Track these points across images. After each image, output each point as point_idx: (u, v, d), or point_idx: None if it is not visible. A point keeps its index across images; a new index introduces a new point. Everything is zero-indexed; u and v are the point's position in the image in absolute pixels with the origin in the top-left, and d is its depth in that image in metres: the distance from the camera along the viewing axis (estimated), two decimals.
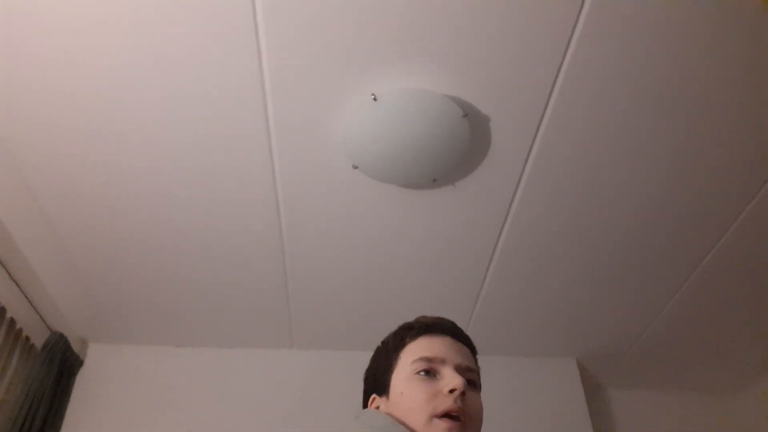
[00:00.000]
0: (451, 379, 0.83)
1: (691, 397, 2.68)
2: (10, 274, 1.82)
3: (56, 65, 1.29)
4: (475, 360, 0.95)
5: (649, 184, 1.62)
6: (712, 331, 2.27)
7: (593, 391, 2.57)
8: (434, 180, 1.56)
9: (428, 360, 0.87)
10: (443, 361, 0.87)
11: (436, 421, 0.80)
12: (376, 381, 0.93)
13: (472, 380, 0.88)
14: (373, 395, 0.93)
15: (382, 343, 0.98)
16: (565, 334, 2.29)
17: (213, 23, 1.22)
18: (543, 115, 1.43)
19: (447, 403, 0.81)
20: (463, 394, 0.82)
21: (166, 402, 2.11)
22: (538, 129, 1.47)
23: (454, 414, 0.80)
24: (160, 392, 2.13)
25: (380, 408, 0.89)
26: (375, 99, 1.34)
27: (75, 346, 2.12)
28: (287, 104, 1.39)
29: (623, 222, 1.75)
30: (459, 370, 0.87)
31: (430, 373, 0.86)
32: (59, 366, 2.00)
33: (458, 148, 1.45)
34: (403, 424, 0.82)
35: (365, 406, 0.94)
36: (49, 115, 1.39)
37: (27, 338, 1.97)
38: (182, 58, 1.29)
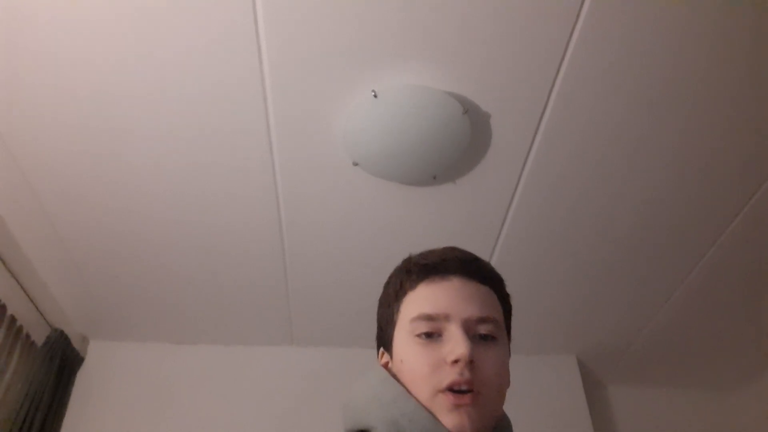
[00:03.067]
0: (454, 345, 0.69)
1: (691, 394, 2.68)
2: (10, 272, 1.82)
3: (55, 63, 1.29)
4: (499, 293, 0.81)
5: (650, 181, 1.62)
6: (713, 328, 2.27)
7: (593, 388, 2.57)
8: (434, 177, 1.55)
9: (428, 318, 0.73)
10: (447, 317, 0.72)
11: (441, 396, 0.68)
12: (382, 333, 0.82)
13: (486, 335, 0.73)
14: (381, 349, 0.82)
15: (387, 282, 0.85)
16: (565, 331, 2.29)
17: (213, 20, 1.22)
18: (543, 112, 1.43)
19: (451, 375, 0.68)
20: (471, 362, 0.69)
21: (167, 399, 2.11)
22: (538, 126, 1.46)
23: (462, 387, 0.68)
24: (160, 389, 2.13)
25: (388, 365, 0.79)
26: (375, 96, 1.34)
27: (75, 343, 2.13)
28: (287, 101, 1.38)
29: (623, 219, 1.75)
30: (468, 325, 0.72)
31: (432, 334, 0.72)
32: (60, 363, 2.00)
33: (458, 145, 1.45)
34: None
35: (378, 353, 0.84)
36: (50, 112, 1.39)
37: (27, 335, 1.97)
38: (182, 55, 1.28)
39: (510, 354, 0.79)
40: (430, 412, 0.68)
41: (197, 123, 1.43)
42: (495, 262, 1.88)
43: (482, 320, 0.74)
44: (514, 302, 0.90)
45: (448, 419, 0.68)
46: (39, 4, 1.18)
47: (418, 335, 0.73)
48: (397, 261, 2.03)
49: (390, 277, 0.85)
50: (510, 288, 0.87)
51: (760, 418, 2.56)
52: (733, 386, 2.68)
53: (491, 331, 0.74)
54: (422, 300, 0.76)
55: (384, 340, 0.81)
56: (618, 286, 2.03)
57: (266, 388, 2.19)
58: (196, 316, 2.12)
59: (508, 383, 0.74)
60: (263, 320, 2.16)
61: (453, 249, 0.83)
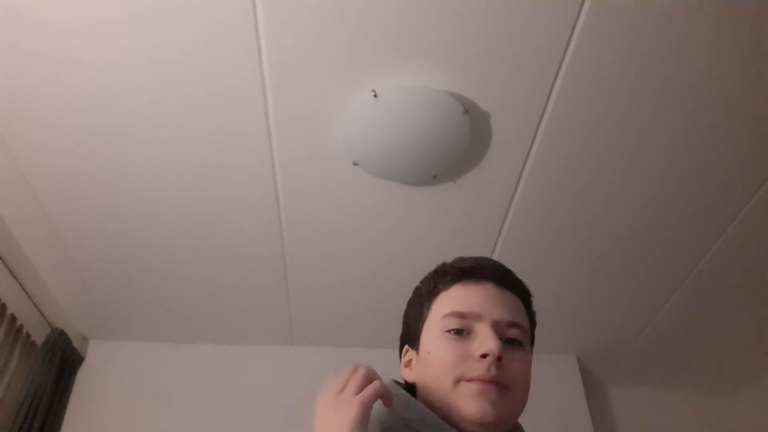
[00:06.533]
0: (484, 341, 0.71)
1: (691, 395, 2.68)
2: (10, 271, 1.82)
3: (56, 64, 1.29)
4: (527, 306, 0.83)
5: (650, 181, 1.62)
6: (713, 329, 2.27)
7: (593, 388, 2.57)
8: (434, 177, 1.55)
9: (460, 316, 0.75)
10: (478, 317, 0.74)
11: (464, 384, 0.70)
12: (408, 331, 0.84)
13: (514, 339, 0.75)
14: (406, 346, 0.84)
15: (418, 285, 0.87)
16: (565, 331, 2.29)
17: (213, 20, 1.22)
18: (543, 112, 1.43)
19: (478, 369, 0.69)
20: (499, 359, 0.70)
21: (167, 399, 2.11)
22: (538, 126, 1.46)
23: (487, 381, 0.69)
24: (160, 389, 2.13)
25: (411, 362, 0.81)
26: (375, 95, 1.34)
27: (76, 343, 2.13)
28: (287, 101, 1.38)
29: (623, 219, 1.75)
30: (497, 327, 0.74)
31: (462, 332, 0.74)
32: (60, 362, 2.00)
33: (458, 145, 1.45)
34: (427, 392, 0.74)
35: (400, 353, 0.86)
36: (50, 113, 1.39)
37: (28, 335, 1.97)
38: (182, 55, 1.28)
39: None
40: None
41: (197, 123, 1.43)
42: None
43: (512, 324, 0.75)
44: None
45: (471, 406, 0.68)
46: (39, 4, 1.18)
47: (449, 331, 0.74)
48: (397, 260, 2.03)
49: (422, 281, 0.87)
50: None
51: (760, 420, 2.56)
52: (733, 387, 2.68)
53: (518, 337, 0.76)
54: (456, 299, 0.78)
55: (410, 336, 0.83)
56: (618, 286, 2.03)
57: (266, 388, 2.19)
58: (196, 316, 2.12)
59: (529, 388, 0.75)
60: (263, 320, 2.16)
61: (487, 258, 0.85)
